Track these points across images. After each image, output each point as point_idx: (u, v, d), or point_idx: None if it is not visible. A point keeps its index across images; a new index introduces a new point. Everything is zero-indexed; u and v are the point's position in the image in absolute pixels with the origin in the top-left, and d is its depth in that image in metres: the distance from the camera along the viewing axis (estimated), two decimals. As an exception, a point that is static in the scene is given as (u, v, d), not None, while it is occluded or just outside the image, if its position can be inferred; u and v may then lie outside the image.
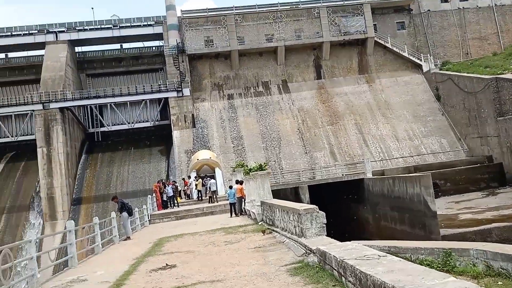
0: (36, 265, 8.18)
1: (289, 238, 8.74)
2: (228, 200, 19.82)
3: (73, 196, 37.73)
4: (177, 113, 41.46)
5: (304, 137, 40.57)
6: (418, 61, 45.22)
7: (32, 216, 36.53)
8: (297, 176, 34.33)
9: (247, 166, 19.98)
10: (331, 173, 31.80)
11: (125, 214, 15.12)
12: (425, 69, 44.70)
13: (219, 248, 10.15)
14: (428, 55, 45.55)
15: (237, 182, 19.08)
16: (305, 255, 6.97)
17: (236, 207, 18.62)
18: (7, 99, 39.83)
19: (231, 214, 18.63)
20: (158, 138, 45.29)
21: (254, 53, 45.03)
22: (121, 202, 15.37)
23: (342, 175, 30.29)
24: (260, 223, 13.45)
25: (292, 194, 27.52)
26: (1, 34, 41.23)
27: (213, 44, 43.66)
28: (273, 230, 10.78)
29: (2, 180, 38.43)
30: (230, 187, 19.10)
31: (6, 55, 45.08)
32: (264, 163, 14.31)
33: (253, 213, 15.14)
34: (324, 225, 7.67)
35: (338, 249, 5.43)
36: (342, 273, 4.79)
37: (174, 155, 40.11)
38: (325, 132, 41.10)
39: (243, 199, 18.51)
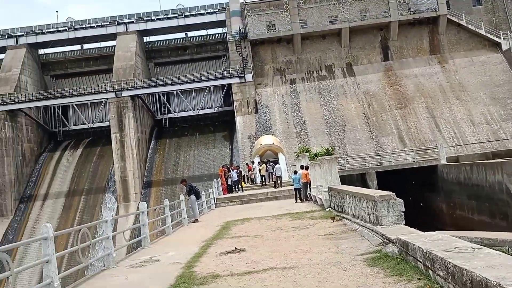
0: (112, 244, 8.52)
1: (362, 226, 8.36)
2: (292, 185, 19.66)
3: (144, 179, 39.54)
4: (240, 99, 41.75)
5: (370, 121, 39.19)
6: (496, 39, 41.71)
7: (107, 198, 38.82)
8: (363, 162, 33.29)
9: (311, 151, 19.61)
10: (400, 159, 30.42)
11: (193, 197, 15.45)
12: (504, 47, 41.13)
13: (287, 233, 10.00)
14: (508, 32, 41.81)
15: (302, 167, 18.80)
16: (383, 245, 6.59)
17: (301, 193, 18.39)
18: (84, 88, 42.35)
19: (296, 200, 18.44)
20: (222, 124, 46.05)
21: (317, 36, 44.02)
22: (189, 185, 15.72)
23: (413, 161, 28.85)
24: (327, 210, 13.12)
25: (358, 180, 26.73)
26: (77, 27, 43.74)
27: (275, 29, 43.24)
28: (343, 217, 10.43)
29: (80, 164, 41.16)
30: (295, 172, 18.86)
31: (82, 47, 47.84)
32: (331, 148, 13.88)
33: (320, 199, 14.82)
34: (402, 213, 7.21)
35: (423, 240, 5.02)
36: (430, 266, 4.40)
37: (237, 140, 40.54)
38: (392, 116, 39.41)
39: (308, 185, 18.23)
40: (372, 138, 38.08)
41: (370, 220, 7.93)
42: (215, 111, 47.57)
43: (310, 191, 18.19)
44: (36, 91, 42.30)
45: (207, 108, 47.79)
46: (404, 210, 7.31)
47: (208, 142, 44.06)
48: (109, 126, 39.79)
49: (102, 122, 45.68)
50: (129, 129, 38.65)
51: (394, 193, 7.41)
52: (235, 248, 8.62)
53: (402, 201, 7.33)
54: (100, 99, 41.98)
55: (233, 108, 43.31)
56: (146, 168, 40.80)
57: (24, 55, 42.49)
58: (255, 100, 41.98)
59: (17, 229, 36.56)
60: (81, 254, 7.02)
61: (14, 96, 39.42)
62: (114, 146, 38.35)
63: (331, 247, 7.43)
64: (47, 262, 6.03)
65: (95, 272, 7.97)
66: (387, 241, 6.48)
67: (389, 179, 27.87)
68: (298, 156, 23.54)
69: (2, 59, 42.92)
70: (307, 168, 18.28)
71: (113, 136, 38.54)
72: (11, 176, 37.92)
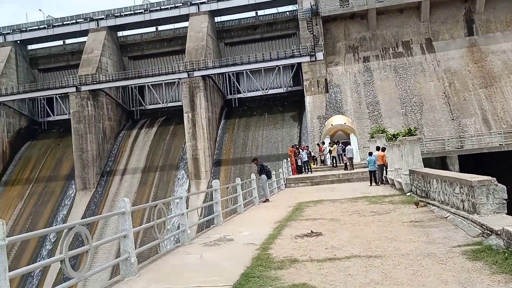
0: (187, 221, 8.50)
1: (453, 213, 7.56)
2: (367, 167, 18.80)
3: (214, 158, 40.34)
4: (310, 78, 40.74)
5: (450, 101, 36.48)
6: None
7: (179, 174, 40.20)
8: (442, 145, 31.17)
9: (388, 131, 18.49)
10: (484, 142, 28.01)
11: (264, 176, 15.26)
12: None
13: (366, 218, 9.41)
14: None
15: (378, 148, 17.84)
16: (483, 236, 5.84)
17: (377, 175, 17.51)
18: (158, 69, 43.77)
19: (370, 183, 17.62)
20: (291, 103, 45.45)
21: (393, 11, 41.46)
22: (260, 165, 15.54)
23: (500, 144, 26.41)
24: (408, 194, 12.25)
25: (438, 164, 25.01)
26: (152, 9, 45.04)
27: (348, 4, 41.34)
28: (428, 203, 9.60)
29: (155, 142, 42.91)
30: (370, 154, 17.96)
31: (156, 29, 49.32)
32: (414, 128, 12.84)
33: (399, 182, 13.93)
34: (505, 201, 6.34)
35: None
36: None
37: (307, 120, 39.80)
38: (476, 96, 36.33)
39: (384, 167, 17.30)
40: (453, 119, 35.46)
41: (464, 207, 7.12)
42: (284, 91, 47.04)
43: (386, 174, 17.26)
44: (115, 71, 44.47)
45: (276, 88, 47.39)
46: (506, 197, 6.43)
47: (277, 122, 43.78)
48: (182, 105, 40.87)
49: (175, 101, 47.12)
50: (200, 109, 39.41)
51: (494, 178, 6.54)
52: (311, 232, 8.24)
53: (504, 187, 6.45)
54: (173, 79, 43.16)
55: (302, 88, 42.45)
56: (216, 147, 41.56)
57: (104, 37, 44.69)
58: (326, 79, 40.76)
59: (99, 201, 39.14)
60: (157, 230, 7.03)
61: (96, 76, 41.75)
62: (186, 125, 39.38)
63: (420, 236, 6.77)
64: (124, 237, 6.06)
65: (170, 249, 8.00)
66: (488, 232, 5.71)
67: (471, 163, 25.80)
68: (372, 137, 22.47)
69: (85, 41, 45.47)
70: (383, 149, 17.31)
71: (185, 116, 39.56)
72: (93, 152, 40.51)
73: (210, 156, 39.77)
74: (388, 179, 16.79)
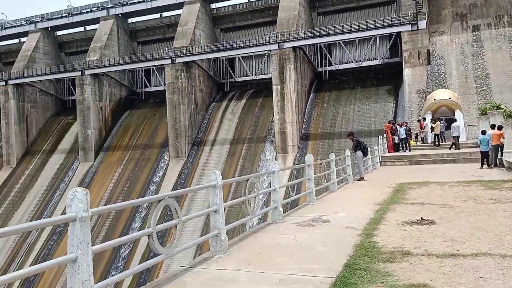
0: (279, 197, 7.88)
1: None
2: (475, 147, 16.68)
3: (302, 132, 39.48)
4: (410, 49, 37.54)
5: None
6: None
7: (266, 148, 40.09)
8: None
9: (505, 108, 16.10)
10: None
11: (359, 153, 14.14)
12: None
13: (487, 206, 8.00)
14: None
15: (493, 126, 15.63)
16: None
17: (490, 157, 15.40)
18: (249, 40, 43.46)
19: (481, 165, 15.57)
20: (386, 77, 42.62)
21: (513, -29, 36.24)
22: (356, 140, 14.41)
23: None
24: (535, 181, 10.39)
25: None
26: (244, -21, 44.52)
27: (459, -35, 36.94)
28: None
29: (244, 114, 43.14)
30: (483, 133, 15.81)
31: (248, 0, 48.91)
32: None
33: (521, 167, 11.95)
34: None
35: None
36: None
37: (404, 95, 37.00)
38: None
39: (499, 148, 15.13)
40: None
41: None
42: (380, 63, 44.13)
43: (501, 156, 15.10)
44: (207, 44, 45.13)
45: (371, 59, 44.62)
46: None
47: (370, 96, 41.40)
48: (271, 78, 40.29)
49: (264, 74, 46.70)
50: (289, 81, 38.52)
51: None
52: (422, 219, 7.12)
53: None
54: (263, 51, 42.58)
55: (400, 60, 39.42)
56: (304, 121, 40.59)
57: (198, 9, 45.36)
58: (428, 50, 37.29)
59: (190, 170, 40.64)
60: (247, 205, 6.48)
61: (189, 49, 42.72)
62: (274, 98, 38.84)
63: None
64: (215, 211, 5.57)
65: (261, 226, 7.43)
66: None
67: None
68: (483, 114, 19.90)
69: (180, 14, 46.59)
70: (500, 128, 15.10)
71: (274, 88, 38.98)
72: (186, 122, 41.90)
73: (298, 130, 38.97)
74: (504, 161, 14.66)
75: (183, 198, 35.97)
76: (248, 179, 6.67)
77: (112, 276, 30.55)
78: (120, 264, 32.42)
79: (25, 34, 52.01)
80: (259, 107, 43.65)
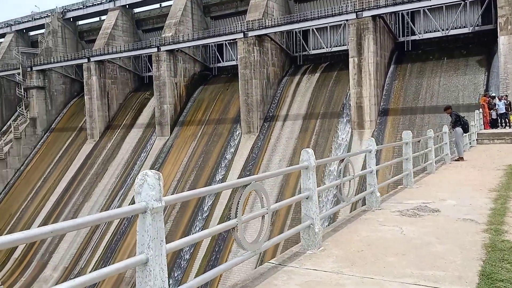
0: (375, 180, 6.75)
1: None
2: None
3: (380, 107, 37.16)
4: (507, 14, 33.30)
5: None
6: None
7: (341, 123, 38.34)
8: None
9: None
10: None
11: (459, 129, 12.42)
12: None
13: None
14: None
15: None
16: None
17: None
18: (325, 10, 41.35)
19: None
20: (477, 46, 38.47)
21: None
22: (455, 115, 12.69)
23: None
24: None
25: None
26: None
27: None
28: None
29: (317, 88, 41.55)
30: None
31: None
32: None
33: None
34: None
35: None
36: None
37: (499, 65, 33.13)
38: None
39: None
40: None
41: None
42: (470, 31, 39.89)
43: None
44: (280, 16, 43.69)
45: (459, 27, 40.47)
46: None
47: (458, 68, 37.72)
48: (347, 50, 38.11)
49: (339, 46, 44.44)
50: (368, 53, 36.11)
51: None
52: None
53: None
54: (340, 21, 40.26)
55: (494, 27, 35.26)
56: (383, 95, 38.11)
57: (270, -20, 43.89)
58: (529, 14, 32.85)
59: (261, 145, 40.21)
60: (342, 191, 5.47)
61: (262, 21, 41.64)
62: (351, 71, 36.74)
63: None
64: (307, 198, 4.63)
65: (356, 214, 6.39)
66: None
67: None
68: None
69: (252, -14, 45.45)
70: None
71: (350, 60, 36.82)
72: (258, 97, 41.29)
73: (376, 104, 36.68)
74: None
75: (247, 196, 35.06)
76: (343, 160, 5.64)
77: (175, 276, 31.10)
78: (183, 263, 32.68)
79: (104, 12, 54.09)
80: (333, 81, 41.73)
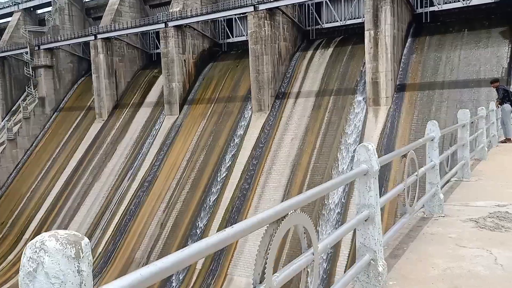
0: (439, 177, 5.31)
1: None
2: None
3: (397, 82, 35.58)
4: (536, -19, 31.22)
5: None
6: None
7: (356, 100, 36.91)
8: None
9: None
10: None
11: (508, 106, 11.05)
12: None
13: None
14: None
15: None
16: None
17: None
18: (337, -20, 39.48)
19: None
20: (501, 17, 36.38)
21: None
22: (503, 89, 11.34)
23: None
24: None
25: None
26: None
27: None
28: None
29: (331, 64, 39.98)
30: None
31: None
32: None
33: None
34: None
35: None
36: None
37: (525, 37, 31.22)
38: None
39: None
40: None
41: None
42: (492, 1, 37.66)
43: None
44: (292, -13, 41.83)
45: (483, -3, 38.26)
46: None
47: (480, 40, 35.80)
48: (361, 23, 36.42)
49: (354, 19, 42.58)
50: (384, 25, 34.35)
51: None
52: None
53: None
54: (355, -9, 38.40)
55: (520, -5, 33.08)
56: (400, 70, 36.45)
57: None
58: (560, -19, 30.69)
59: (273, 124, 39.06)
60: (406, 197, 4.10)
61: (272, -7, 39.92)
62: (366, 45, 35.07)
63: None
64: (366, 220, 3.41)
65: (413, 226, 4.91)
66: None
67: None
68: None
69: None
70: None
71: (366, 34, 35.10)
72: (269, 74, 39.91)
73: (393, 80, 35.10)
74: None
75: (258, 175, 33.62)
76: (406, 154, 4.26)
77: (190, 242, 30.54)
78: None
79: (111, -13, 52.66)
80: (348, 55, 40.06)
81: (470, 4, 38.18)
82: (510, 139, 10.84)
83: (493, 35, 35.74)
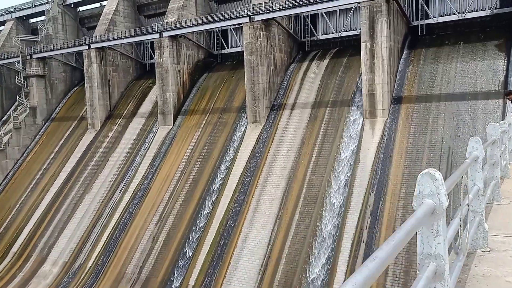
0: (483, 204, 4.43)
1: None
2: None
3: (393, 94, 35.32)
4: (531, -6, 31.25)
5: None
6: None
7: (352, 112, 36.57)
8: None
9: None
10: None
11: None
12: None
13: None
14: None
15: None
16: None
17: None
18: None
19: None
20: (496, 30, 36.46)
21: None
22: None
23: None
24: None
25: None
26: None
27: None
28: None
29: (326, 75, 39.72)
30: None
31: None
32: None
33: None
34: None
35: None
36: None
37: (522, 50, 31.15)
38: None
39: None
40: None
41: None
42: (487, 14, 37.78)
43: None
44: (288, -1, 41.69)
45: (477, 10, 38.41)
46: None
47: (476, 53, 35.75)
48: (357, 35, 36.30)
49: (350, 30, 42.49)
50: (381, 37, 34.20)
51: None
52: None
53: None
54: (351, 3, 38.28)
55: (515, 9, 33.15)
56: (396, 82, 36.23)
57: (277, -38, 41.77)
58: (555, -6, 30.75)
59: (268, 135, 38.58)
60: (461, 232, 3.36)
61: (269, 5, 39.73)
62: (363, 56, 34.86)
63: None
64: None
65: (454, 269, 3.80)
66: None
67: None
68: None
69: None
70: None
71: (362, 45, 34.92)
72: (264, 85, 39.55)
73: (389, 92, 34.85)
74: None
75: (253, 188, 32.96)
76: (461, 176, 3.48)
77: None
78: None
79: (106, -3, 52.33)
80: (343, 67, 39.85)
81: (465, 17, 38.25)
82: (524, 155, 10.41)
83: (489, 48, 35.71)
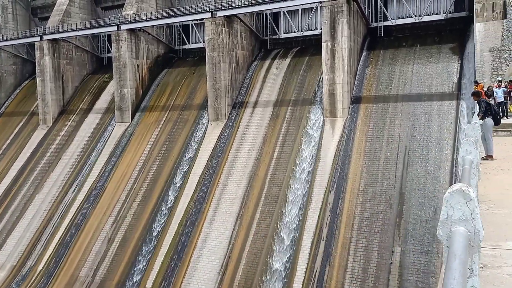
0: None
1: None
2: None
3: (353, 94, 35.82)
4: (483, 1, 32.57)
5: None
6: None
7: (313, 111, 36.78)
8: None
9: None
10: None
11: (489, 121, 10.63)
12: None
13: None
14: None
15: None
16: None
17: None
18: (295, -9, 39.37)
19: None
20: (450, 33, 37.81)
21: None
22: (485, 103, 10.90)
23: None
24: None
25: None
26: None
27: None
28: None
29: (288, 74, 39.75)
30: None
31: None
32: None
33: None
34: None
35: None
36: None
37: (475, 53, 32.44)
38: None
39: None
40: None
41: None
42: (442, 18, 39.14)
43: None
44: (250, -4, 41.35)
45: (432, 14, 39.67)
46: None
47: (431, 55, 36.88)
48: (318, 34, 36.55)
49: (311, 30, 42.77)
50: (341, 37, 34.54)
51: None
52: None
53: None
54: (312, 3, 38.45)
55: (467, 14, 34.69)
56: (356, 82, 36.78)
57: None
58: (505, 2, 32.24)
59: (230, 133, 38.14)
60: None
61: (231, 1, 39.22)
62: (324, 56, 35.09)
63: None
64: None
65: None
66: None
67: None
68: None
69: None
70: None
71: (323, 45, 35.15)
72: (226, 82, 39.05)
73: (349, 92, 35.31)
74: None
75: (214, 187, 32.33)
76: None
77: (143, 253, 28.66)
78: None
79: (60, -13, 49.91)
80: (305, 66, 40.03)
81: (422, 20, 39.39)
82: (492, 156, 10.49)
83: (444, 51, 36.95)
